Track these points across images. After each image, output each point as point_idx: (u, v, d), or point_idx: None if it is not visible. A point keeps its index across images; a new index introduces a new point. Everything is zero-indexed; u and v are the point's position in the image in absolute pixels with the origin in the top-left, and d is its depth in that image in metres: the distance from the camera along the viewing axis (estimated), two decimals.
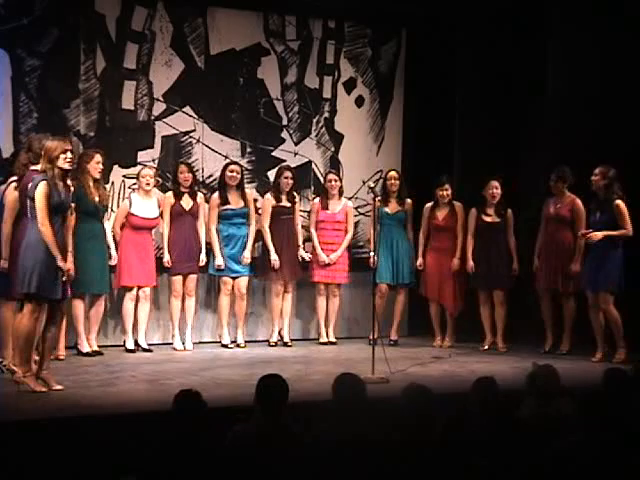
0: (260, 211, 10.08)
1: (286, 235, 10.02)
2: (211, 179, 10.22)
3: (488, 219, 10.03)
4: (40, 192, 7.07)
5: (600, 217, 9.20)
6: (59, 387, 7.33)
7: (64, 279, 7.22)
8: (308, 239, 10.30)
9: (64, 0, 9.48)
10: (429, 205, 10.22)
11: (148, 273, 9.41)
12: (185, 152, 10.13)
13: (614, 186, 9.11)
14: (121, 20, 9.76)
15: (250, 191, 10.09)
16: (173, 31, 10.03)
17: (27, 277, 7.08)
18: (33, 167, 7.54)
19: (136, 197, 9.44)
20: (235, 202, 9.80)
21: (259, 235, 10.05)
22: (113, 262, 9.25)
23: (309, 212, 10.35)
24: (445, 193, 10.12)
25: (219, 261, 9.72)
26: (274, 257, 9.88)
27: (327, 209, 10.24)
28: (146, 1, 9.88)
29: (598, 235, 9.08)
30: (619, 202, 9.09)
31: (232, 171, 9.78)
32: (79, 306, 9.02)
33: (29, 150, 7.90)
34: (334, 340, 10.27)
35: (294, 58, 10.66)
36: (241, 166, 9.96)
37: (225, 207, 9.76)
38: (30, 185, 7.19)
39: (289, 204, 10.03)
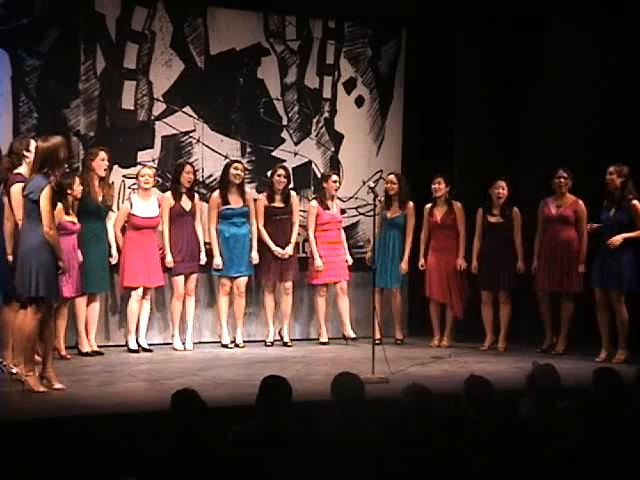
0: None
1: (281, 236, 9.99)
2: (211, 179, 10.22)
3: (492, 219, 10.00)
4: (45, 196, 7.05)
5: (615, 215, 9.12)
6: (61, 386, 7.32)
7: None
8: (306, 240, 10.31)
9: (64, 0, 9.49)
10: (428, 206, 10.22)
11: (154, 273, 9.40)
12: (185, 152, 10.14)
13: (629, 184, 9.08)
14: (121, 20, 9.77)
15: (250, 190, 10.09)
16: (173, 31, 10.03)
17: (33, 280, 7.05)
18: (17, 170, 7.51)
19: (136, 198, 9.44)
20: (235, 201, 9.79)
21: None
22: (114, 261, 9.26)
23: (306, 213, 10.33)
24: (437, 187, 10.10)
25: (217, 261, 9.72)
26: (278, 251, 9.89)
27: (328, 209, 10.24)
28: (146, 1, 9.89)
29: (618, 239, 9.00)
30: (636, 202, 9.02)
31: (236, 169, 9.78)
32: (80, 306, 9.04)
33: (10, 153, 7.86)
34: (354, 336, 10.18)
35: (294, 58, 10.66)
36: (243, 164, 9.98)
37: (225, 207, 9.75)
38: (32, 188, 7.12)
39: (282, 204, 10.02)
